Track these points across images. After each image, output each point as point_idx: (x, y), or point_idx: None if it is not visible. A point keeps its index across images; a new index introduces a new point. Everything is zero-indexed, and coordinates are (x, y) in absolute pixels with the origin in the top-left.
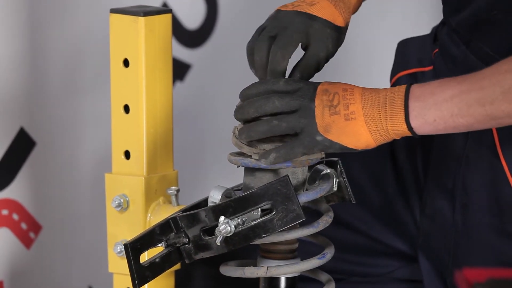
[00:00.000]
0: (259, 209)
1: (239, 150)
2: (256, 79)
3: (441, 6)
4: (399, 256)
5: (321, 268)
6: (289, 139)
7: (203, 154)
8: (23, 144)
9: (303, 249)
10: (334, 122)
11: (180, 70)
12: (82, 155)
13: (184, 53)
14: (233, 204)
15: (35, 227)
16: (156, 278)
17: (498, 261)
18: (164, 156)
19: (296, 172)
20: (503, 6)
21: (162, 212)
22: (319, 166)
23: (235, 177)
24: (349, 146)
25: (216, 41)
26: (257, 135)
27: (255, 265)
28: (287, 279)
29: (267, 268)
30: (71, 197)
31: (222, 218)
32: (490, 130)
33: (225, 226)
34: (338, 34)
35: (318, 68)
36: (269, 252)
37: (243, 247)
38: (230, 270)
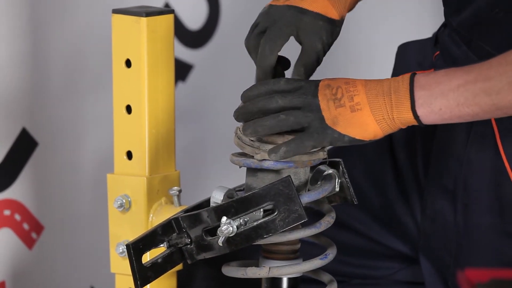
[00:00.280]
0: (261, 210)
1: (241, 151)
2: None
3: (442, 7)
4: (400, 258)
5: (324, 270)
6: (294, 136)
7: (205, 155)
8: (25, 145)
9: (305, 251)
10: (340, 114)
11: (182, 70)
12: (84, 155)
13: (186, 54)
14: (235, 204)
15: (37, 227)
16: (158, 278)
17: (500, 262)
18: (166, 157)
19: (298, 173)
20: (504, 5)
21: (164, 213)
22: (321, 167)
23: (237, 177)
24: (357, 137)
25: (218, 42)
26: (264, 130)
27: (257, 265)
28: (289, 279)
29: (269, 268)
30: (73, 197)
31: (224, 218)
32: (492, 130)
33: (227, 226)
34: (332, 26)
35: (318, 60)
36: (271, 253)
37: (245, 248)
38: (232, 271)
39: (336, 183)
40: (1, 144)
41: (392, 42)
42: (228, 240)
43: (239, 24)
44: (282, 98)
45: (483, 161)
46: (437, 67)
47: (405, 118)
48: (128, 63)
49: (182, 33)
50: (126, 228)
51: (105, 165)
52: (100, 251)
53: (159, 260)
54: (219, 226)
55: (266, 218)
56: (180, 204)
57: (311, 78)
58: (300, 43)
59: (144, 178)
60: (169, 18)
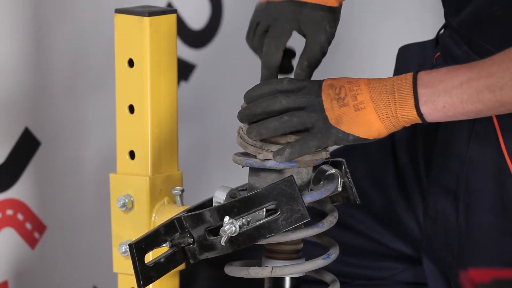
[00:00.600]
0: (264, 209)
1: (244, 150)
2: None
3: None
4: (403, 258)
5: (324, 270)
6: (298, 137)
7: (207, 154)
8: (27, 144)
9: (308, 251)
10: (344, 113)
11: (184, 70)
12: (87, 155)
13: (188, 53)
14: (238, 204)
15: (40, 227)
16: (161, 278)
17: (502, 261)
18: (169, 156)
19: (301, 172)
20: (503, 3)
21: (166, 212)
22: (324, 167)
23: (240, 177)
24: (362, 136)
25: (221, 41)
26: (268, 132)
27: (259, 265)
28: (292, 279)
29: (272, 268)
30: (76, 197)
31: (227, 218)
32: (494, 128)
33: (230, 226)
34: (333, 14)
35: (323, 52)
36: (274, 252)
37: (248, 247)
38: (235, 270)
39: (339, 183)
40: (4, 143)
41: (394, 43)
42: (231, 239)
43: (241, 23)
44: (286, 98)
45: (485, 160)
46: (438, 68)
47: (409, 116)
48: (130, 63)
49: (185, 33)
50: (128, 227)
51: (108, 164)
52: (103, 251)
53: (162, 260)
54: (221, 225)
55: (269, 218)
56: (182, 204)
57: (315, 75)
58: (304, 36)
59: (146, 177)
60: (172, 17)
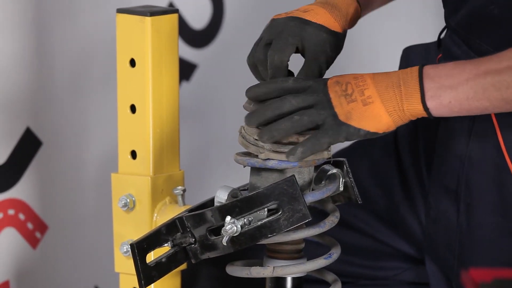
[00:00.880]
0: (266, 209)
1: (245, 150)
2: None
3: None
4: (406, 258)
5: (330, 271)
6: (302, 136)
7: (209, 154)
8: (29, 144)
9: (309, 251)
10: (353, 109)
11: (186, 70)
12: (88, 155)
13: (190, 53)
14: (239, 204)
15: (41, 227)
16: (162, 278)
17: (503, 261)
18: (171, 156)
19: (303, 172)
20: (499, 1)
21: (168, 212)
22: (326, 166)
23: (242, 177)
24: (372, 130)
25: (222, 41)
26: (280, 133)
27: (261, 265)
28: (294, 279)
29: (273, 268)
30: (78, 197)
31: (228, 218)
32: (493, 128)
33: (231, 226)
34: (335, 39)
35: (320, 73)
36: (275, 252)
37: (250, 247)
38: (236, 270)
39: (340, 183)
40: (6, 143)
41: (395, 45)
42: (232, 239)
43: (243, 23)
44: (295, 98)
45: (485, 160)
46: None
47: (415, 110)
48: (132, 63)
49: (186, 33)
50: (130, 227)
51: (110, 164)
52: (104, 251)
53: (163, 260)
54: (223, 225)
55: (270, 218)
56: (184, 204)
57: None
58: (303, 55)
59: (148, 177)
60: (174, 17)
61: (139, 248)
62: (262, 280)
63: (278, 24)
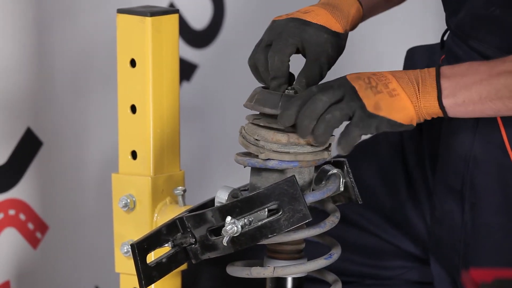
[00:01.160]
0: (266, 209)
1: (246, 150)
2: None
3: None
4: (411, 257)
5: (334, 269)
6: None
7: (209, 154)
8: (30, 144)
9: (310, 251)
10: (381, 99)
11: (187, 70)
12: (89, 155)
13: (191, 53)
14: (239, 204)
15: (42, 227)
16: (163, 278)
17: (507, 261)
18: (171, 156)
19: (303, 172)
20: (500, 2)
21: (168, 212)
22: (326, 166)
23: (242, 177)
24: (400, 121)
25: (223, 41)
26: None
27: (261, 265)
28: (294, 279)
29: (274, 268)
30: (78, 197)
31: (228, 218)
32: (499, 129)
33: (232, 226)
34: (337, 39)
35: (321, 74)
36: (276, 252)
37: (250, 247)
38: (237, 270)
39: (341, 183)
40: (6, 143)
41: (397, 47)
42: (233, 239)
43: (243, 23)
44: (324, 94)
45: (489, 160)
46: None
47: (431, 108)
48: (133, 63)
49: (187, 33)
50: (130, 227)
51: (110, 164)
52: (105, 251)
53: (164, 260)
54: (223, 225)
55: (271, 218)
56: (184, 204)
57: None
58: (304, 56)
59: (148, 177)
60: (174, 18)
61: (140, 249)
62: (263, 280)
63: (278, 26)
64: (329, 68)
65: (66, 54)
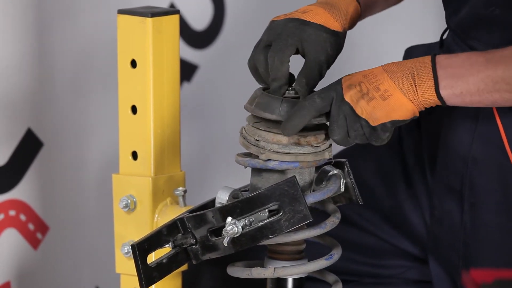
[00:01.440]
0: (267, 210)
1: (246, 151)
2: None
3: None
4: (410, 257)
5: (334, 269)
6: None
7: (210, 155)
8: (30, 145)
9: (310, 250)
10: (375, 108)
11: (187, 70)
12: (89, 156)
13: (191, 54)
14: (240, 205)
15: (42, 227)
16: (163, 278)
17: (507, 261)
18: (172, 157)
19: (303, 173)
20: (500, 2)
21: (169, 213)
22: (326, 167)
23: (243, 177)
24: (401, 118)
25: (224, 42)
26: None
27: (262, 265)
28: (295, 279)
29: (274, 269)
30: (79, 197)
31: (229, 219)
32: (497, 128)
33: (232, 227)
34: (336, 38)
35: (321, 73)
36: (276, 253)
37: (250, 248)
38: (237, 271)
39: (341, 184)
40: (7, 144)
41: (396, 47)
42: (233, 240)
43: (244, 24)
44: (318, 98)
45: (489, 160)
46: None
47: (429, 99)
48: (133, 64)
49: (188, 34)
50: (131, 228)
51: (110, 165)
52: (105, 252)
53: (164, 261)
54: (224, 226)
55: (271, 219)
56: (185, 205)
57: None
58: (303, 56)
59: (149, 178)
60: (175, 18)
61: (140, 249)
62: (263, 280)
63: (277, 26)
64: (328, 67)
65: (67, 55)
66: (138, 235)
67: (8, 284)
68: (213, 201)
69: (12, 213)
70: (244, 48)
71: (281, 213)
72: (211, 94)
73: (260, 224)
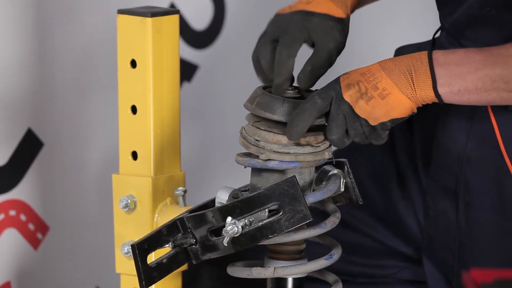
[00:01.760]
0: (266, 210)
1: (246, 151)
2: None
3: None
4: (404, 257)
5: (327, 269)
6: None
7: (210, 155)
8: (30, 145)
9: (309, 250)
10: (374, 107)
11: (187, 70)
12: (89, 156)
13: (191, 54)
14: (240, 204)
15: (43, 227)
16: (163, 278)
17: (502, 260)
18: (171, 157)
19: (303, 173)
20: (496, 3)
21: (169, 213)
22: (326, 167)
23: (243, 177)
24: (399, 116)
25: (224, 42)
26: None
27: (262, 265)
28: (294, 279)
29: (274, 269)
30: (79, 197)
31: (229, 218)
32: (492, 128)
33: (232, 226)
34: (342, 25)
35: (330, 60)
36: (276, 253)
37: (250, 248)
38: (237, 271)
39: (341, 183)
40: (7, 144)
41: (394, 45)
42: (233, 240)
43: (244, 24)
44: (319, 98)
45: (483, 159)
46: None
47: (427, 96)
48: (133, 64)
49: (188, 34)
50: (131, 228)
51: (110, 165)
52: (105, 252)
53: (164, 261)
54: (224, 226)
55: (271, 218)
56: (185, 205)
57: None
58: (312, 46)
59: (149, 178)
60: (175, 18)
61: (140, 249)
62: (263, 280)
63: (283, 19)
64: (338, 53)
65: (67, 55)
66: (138, 235)
67: (8, 284)
68: (213, 201)
69: (12, 213)
70: (245, 48)
71: (281, 213)
72: (211, 94)
73: (260, 224)
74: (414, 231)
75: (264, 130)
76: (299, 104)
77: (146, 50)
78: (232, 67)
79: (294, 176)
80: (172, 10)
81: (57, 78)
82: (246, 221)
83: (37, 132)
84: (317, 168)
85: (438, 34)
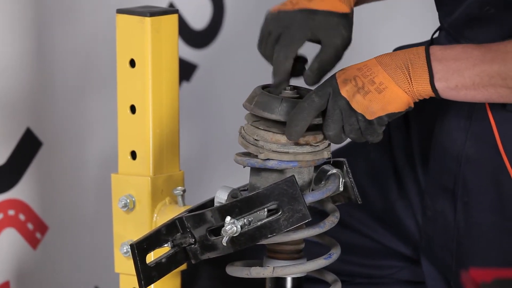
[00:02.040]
0: (265, 209)
1: (245, 150)
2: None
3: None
4: (402, 257)
5: (326, 269)
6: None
7: (209, 154)
8: (29, 145)
9: (309, 250)
10: (371, 101)
11: (186, 70)
12: (88, 155)
13: (190, 54)
14: (239, 204)
15: (42, 227)
16: (163, 278)
17: (501, 260)
18: (170, 157)
19: (302, 172)
20: (495, 2)
21: (168, 213)
22: (325, 166)
23: (242, 177)
24: (396, 110)
25: (223, 42)
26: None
27: (261, 265)
28: (293, 279)
29: (273, 268)
30: (78, 197)
31: (228, 218)
32: (491, 127)
33: (231, 226)
34: (346, 20)
35: (338, 56)
36: (275, 252)
37: (249, 247)
38: (236, 271)
39: (340, 183)
40: (6, 144)
41: (394, 45)
42: (232, 240)
43: (243, 24)
44: (317, 96)
45: (482, 159)
46: None
47: (424, 91)
48: (132, 63)
49: (187, 33)
50: (130, 228)
51: (109, 165)
52: (104, 251)
53: (163, 260)
54: (223, 226)
55: (270, 218)
56: (184, 204)
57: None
58: (319, 43)
59: (148, 178)
60: (174, 18)
61: (139, 249)
62: (262, 280)
63: (286, 17)
64: (345, 49)
65: (66, 54)
66: (137, 235)
67: (7, 284)
68: (212, 201)
69: (11, 212)
70: (244, 48)
71: (280, 213)
72: (210, 93)
73: (259, 223)
74: (413, 231)
75: (263, 129)
76: (297, 104)
77: (145, 50)
78: (231, 67)
79: (293, 175)
80: (171, 9)
81: (56, 78)
82: (245, 220)
83: (36, 131)
84: (316, 167)
85: (436, 35)
